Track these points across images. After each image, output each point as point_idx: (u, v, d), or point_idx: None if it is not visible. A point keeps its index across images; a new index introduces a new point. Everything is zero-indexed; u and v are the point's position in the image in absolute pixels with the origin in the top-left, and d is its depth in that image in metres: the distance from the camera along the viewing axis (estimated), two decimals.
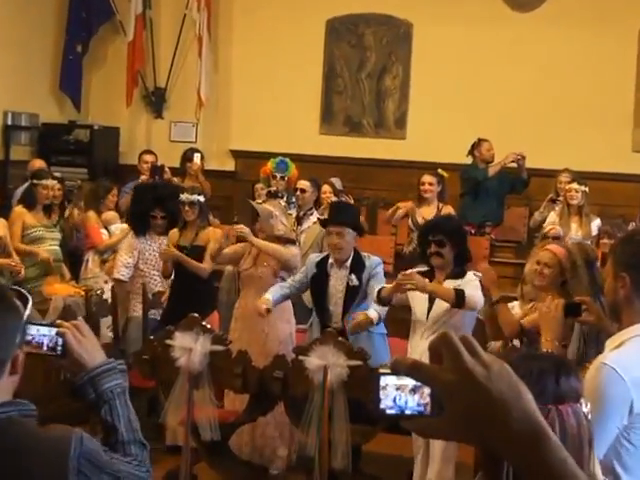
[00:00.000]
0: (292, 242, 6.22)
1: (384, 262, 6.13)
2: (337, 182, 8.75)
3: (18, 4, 10.32)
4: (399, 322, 5.82)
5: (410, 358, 1.11)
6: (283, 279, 6.02)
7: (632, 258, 2.63)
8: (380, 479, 5.74)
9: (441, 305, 5.26)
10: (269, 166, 8.38)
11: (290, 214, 6.94)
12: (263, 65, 10.68)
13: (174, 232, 6.75)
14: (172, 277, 6.78)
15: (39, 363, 2.16)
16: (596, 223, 8.18)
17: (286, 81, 10.58)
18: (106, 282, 7.41)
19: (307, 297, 6.22)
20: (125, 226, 7.63)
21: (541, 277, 4.80)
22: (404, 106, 10.54)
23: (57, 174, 8.38)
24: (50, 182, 7.80)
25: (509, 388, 1.07)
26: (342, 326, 5.61)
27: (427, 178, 8.38)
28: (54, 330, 2.08)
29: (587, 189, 8.16)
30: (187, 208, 6.64)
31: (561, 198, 8.38)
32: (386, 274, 6.10)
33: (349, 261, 5.79)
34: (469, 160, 9.21)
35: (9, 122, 10.34)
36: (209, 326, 5.15)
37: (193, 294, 6.24)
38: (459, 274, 5.30)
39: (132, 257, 7.02)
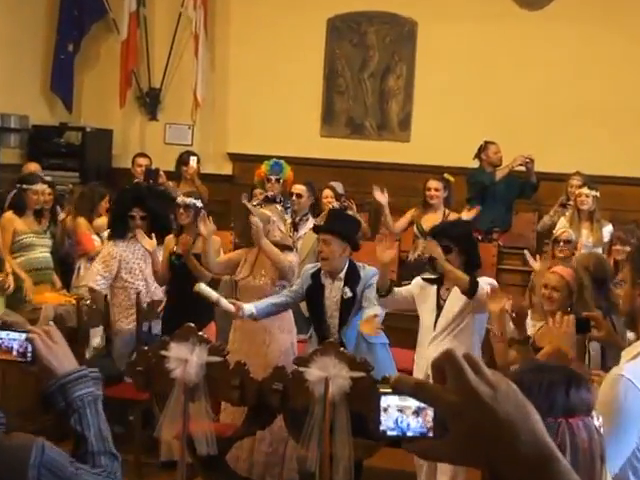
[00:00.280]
0: (289, 249, 6.21)
1: None
2: (338, 186, 8.75)
3: (7, 2, 10.34)
4: (403, 332, 5.83)
5: (413, 378, 1.10)
6: (284, 287, 6.02)
7: None
8: None
9: (449, 313, 5.25)
10: (263, 169, 8.40)
11: (286, 220, 6.93)
12: (262, 65, 10.70)
13: (170, 239, 6.75)
14: (167, 286, 6.79)
15: (29, 379, 2.17)
16: (608, 229, 8.16)
17: (286, 81, 10.59)
18: None
19: (305, 307, 6.22)
20: None
21: (550, 302, 4.87)
22: (408, 107, 10.55)
23: (48, 178, 8.38)
24: (40, 187, 7.79)
25: (516, 409, 1.06)
26: (339, 339, 5.60)
27: (433, 183, 8.39)
28: (24, 335, 2.08)
29: (598, 194, 8.14)
30: (181, 211, 6.64)
31: (571, 203, 8.38)
32: (390, 282, 6.08)
33: (343, 272, 5.77)
34: (475, 164, 9.22)
35: None
36: (206, 336, 5.15)
37: (190, 304, 6.21)
38: None
39: (109, 266, 6.84)
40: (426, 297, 5.39)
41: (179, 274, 6.53)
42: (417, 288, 5.47)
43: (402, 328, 6.08)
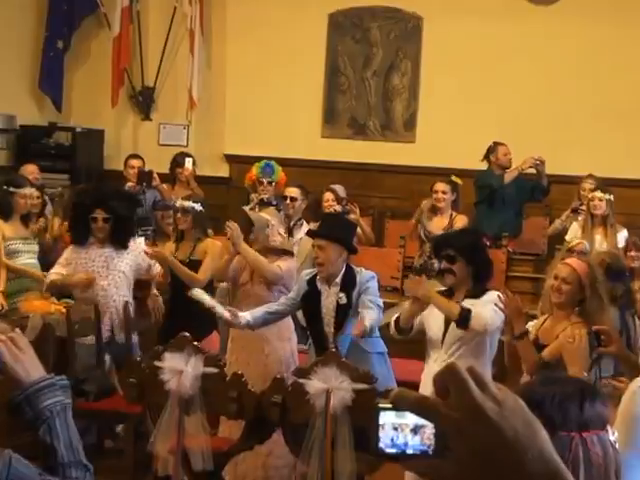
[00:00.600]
0: (289, 253, 6.21)
1: (391, 277, 6.13)
2: (340, 189, 8.75)
3: None
4: (404, 341, 5.79)
5: (414, 392, 1.08)
6: (282, 292, 6.01)
7: None
8: None
9: (457, 329, 5.19)
10: (254, 172, 8.39)
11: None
12: (260, 62, 10.70)
13: (169, 245, 6.75)
14: (166, 295, 6.79)
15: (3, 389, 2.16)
16: (623, 234, 8.12)
17: (285, 80, 10.60)
18: None
19: (302, 316, 6.21)
20: None
21: (558, 293, 4.80)
22: (413, 107, 10.56)
23: (36, 180, 8.37)
24: (28, 190, 7.69)
25: (524, 426, 1.05)
26: (336, 348, 5.58)
27: (440, 186, 8.40)
28: None
29: (612, 197, 8.12)
30: (179, 215, 6.63)
31: (584, 208, 8.35)
32: (394, 289, 6.09)
33: (339, 278, 5.76)
34: (484, 166, 9.22)
35: None
36: (200, 346, 5.14)
37: (192, 312, 6.15)
38: (478, 293, 5.20)
39: (63, 269, 6.63)
40: (435, 311, 5.32)
41: (178, 282, 6.53)
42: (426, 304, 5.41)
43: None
